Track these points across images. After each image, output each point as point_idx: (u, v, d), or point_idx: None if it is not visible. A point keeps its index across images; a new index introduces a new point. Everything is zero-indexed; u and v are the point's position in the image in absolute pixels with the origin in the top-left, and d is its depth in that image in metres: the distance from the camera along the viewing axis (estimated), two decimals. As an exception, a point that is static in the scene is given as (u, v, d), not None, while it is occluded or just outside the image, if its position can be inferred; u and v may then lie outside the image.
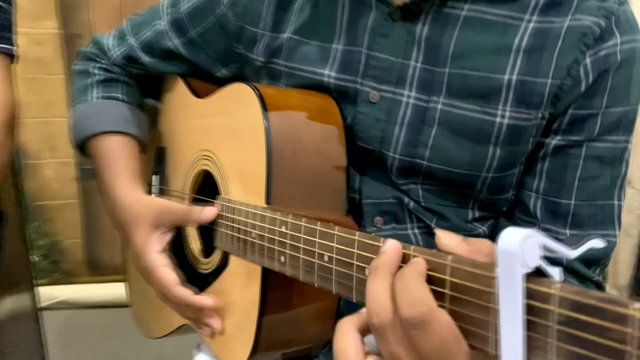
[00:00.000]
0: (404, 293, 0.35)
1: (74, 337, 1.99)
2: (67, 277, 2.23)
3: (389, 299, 0.36)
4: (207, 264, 0.69)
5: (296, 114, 0.61)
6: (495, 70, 0.58)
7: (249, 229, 0.58)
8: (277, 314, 0.59)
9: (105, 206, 0.74)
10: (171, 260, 0.66)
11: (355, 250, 0.42)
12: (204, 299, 0.63)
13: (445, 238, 0.37)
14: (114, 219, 0.72)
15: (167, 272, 0.64)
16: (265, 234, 0.55)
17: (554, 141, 0.60)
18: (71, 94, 0.81)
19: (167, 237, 0.67)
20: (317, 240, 0.47)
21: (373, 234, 0.42)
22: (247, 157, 0.61)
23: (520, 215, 0.64)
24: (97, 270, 2.28)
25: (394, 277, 0.37)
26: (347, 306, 0.65)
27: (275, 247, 0.53)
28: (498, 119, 0.58)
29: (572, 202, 0.60)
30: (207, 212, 0.64)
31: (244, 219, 0.59)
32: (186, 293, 0.63)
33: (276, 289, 0.58)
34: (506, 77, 0.58)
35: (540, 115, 0.58)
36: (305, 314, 0.62)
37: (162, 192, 0.83)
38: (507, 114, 0.58)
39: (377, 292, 0.37)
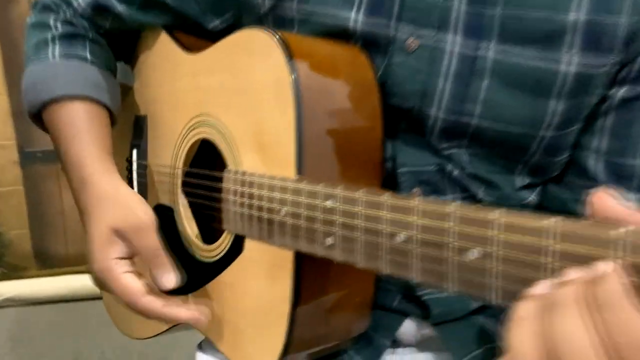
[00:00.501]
0: (618, 330, 0.24)
1: (28, 337, 1.82)
2: (14, 272, 2.03)
3: (592, 344, 0.25)
4: (212, 251, 0.58)
5: (325, 65, 0.50)
6: (558, 9, 0.49)
7: (275, 206, 0.47)
8: (312, 308, 0.49)
9: (69, 181, 0.60)
10: (161, 243, 0.54)
11: (452, 225, 0.33)
12: (180, 312, 0.52)
13: (608, 200, 0.28)
14: (78, 201, 0.59)
15: (130, 280, 0.52)
16: (302, 211, 0.44)
17: (620, 93, 0.52)
18: (25, 52, 0.66)
19: (129, 252, 0.54)
20: (385, 215, 0.37)
21: (477, 205, 0.32)
22: (266, 119, 0.50)
23: (575, 179, 0.57)
24: (46, 263, 2.09)
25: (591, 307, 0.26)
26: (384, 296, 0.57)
27: (318, 227, 0.43)
28: (563, 67, 0.50)
29: (639, 162, 0.53)
30: (167, 282, 0.52)
31: (268, 194, 0.48)
32: (156, 304, 0.52)
33: (311, 279, 0.48)
34: (571, 16, 0.49)
35: (611, 61, 0.50)
36: (342, 305, 0.52)
37: (145, 168, 0.70)
38: (575, 60, 0.49)
39: (575, 335, 0.25)
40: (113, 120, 0.65)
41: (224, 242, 0.56)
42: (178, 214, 0.64)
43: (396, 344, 0.60)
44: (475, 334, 0.58)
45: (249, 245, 0.53)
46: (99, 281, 0.54)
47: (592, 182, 0.55)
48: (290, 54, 0.47)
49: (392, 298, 0.58)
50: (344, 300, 0.52)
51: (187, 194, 0.63)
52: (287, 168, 0.47)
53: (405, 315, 0.59)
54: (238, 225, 0.53)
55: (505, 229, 0.30)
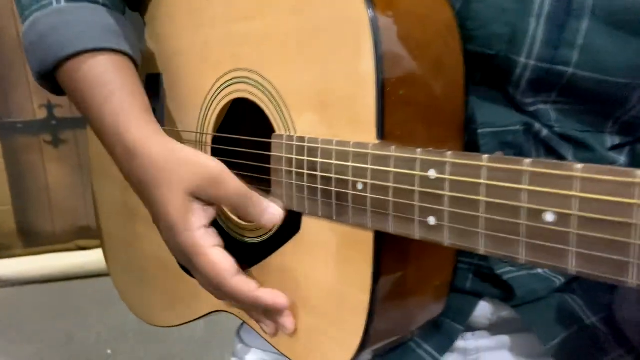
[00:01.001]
0: None
1: (16, 319, 1.72)
2: (-2, 251, 1.93)
3: None
4: (257, 230, 0.50)
5: (403, 5, 0.40)
6: None
7: (349, 178, 0.39)
8: (392, 296, 0.41)
9: (110, 153, 0.51)
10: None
11: (637, 201, 0.25)
12: (278, 298, 0.44)
13: None
14: (126, 171, 0.50)
15: (220, 257, 0.44)
16: (391, 184, 0.36)
17: None
18: (17, 3, 0.55)
19: (213, 212, 0.46)
20: (526, 188, 0.29)
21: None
22: (332, 72, 0.40)
23: None
24: (32, 241, 1.99)
25: None
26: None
27: (416, 203, 0.34)
28: None
29: None
30: (271, 216, 0.45)
31: (338, 164, 0.39)
32: (249, 286, 0.44)
33: (392, 262, 0.40)
34: None
35: None
36: (422, 290, 0.44)
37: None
38: None
39: None
40: (137, 69, 0.56)
41: (273, 221, 0.48)
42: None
43: (467, 328, 0.53)
44: (562, 315, 0.51)
45: (308, 223, 0.44)
46: (184, 258, 0.47)
47: None
48: (364, -12, 0.38)
49: (464, 278, 0.50)
50: (424, 283, 0.44)
51: (218, 164, 0.54)
52: (364, 130, 0.38)
53: (479, 296, 0.52)
54: (293, 200, 0.44)
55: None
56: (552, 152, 0.48)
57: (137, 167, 0.47)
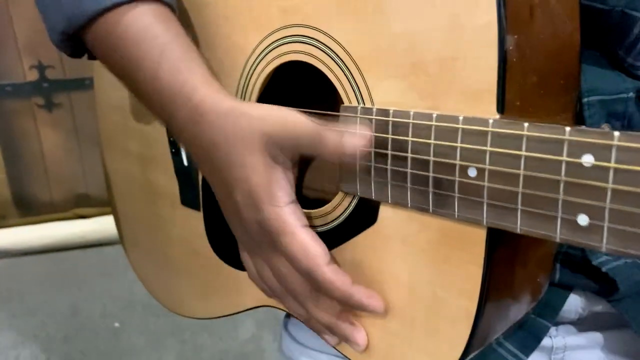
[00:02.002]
0: None
1: (17, 292, 1.66)
2: (-6, 221, 1.86)
3: None
4: (320, 218, 0.42)
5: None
6: None
7: (456, 162, 0.31)
8: (499, 300, 0.35)
9: (167, 119, 0.43)
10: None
11: None
12: (373, 298, 0.37)
13: None
14: (190, 138, 0.42)
15: (313, 239, 0.37)
16: (522, 172, 0.28)
17: None
18: None
19: (293, 177, 0.39)
20: None
21: None
22: (427, 25, 0.32)
23: None
24: (29, 210, 1.92)
25: None
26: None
27: (560, 197, 0.27)
28: None
29: None
30: (355, 139, 0.36)
31: (441, 144, 0.31)
32: (345, 278, 0.37)
33: (502, 264, 0.33)
34: None
35: None
36: (525, 289, 0.37)
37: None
38: None
39: None
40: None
41: (341, 207, 0.40)
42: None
43: (553, 323, 0.47)
44: None
45: (388, 214, 0.37)
46: (258, 234, 0.39)
47: None
48: None
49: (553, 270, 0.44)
50: (528, 282, 0.37)
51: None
52: (476, 102, 0.30)
53: (569, 289, 0.45)
54: (370, 187, 0.36)
55: None
56: None
57: (207, 128, 0.40)
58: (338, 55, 0.38)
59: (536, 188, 0.28)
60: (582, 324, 0.47)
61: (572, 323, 0.47)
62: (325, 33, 0.38)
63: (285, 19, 0.41)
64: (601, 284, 0.43)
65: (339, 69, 0.38)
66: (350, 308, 0.39)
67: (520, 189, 0.28)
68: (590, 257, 0.42)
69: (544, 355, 0.48)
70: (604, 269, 0.42)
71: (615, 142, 0.25)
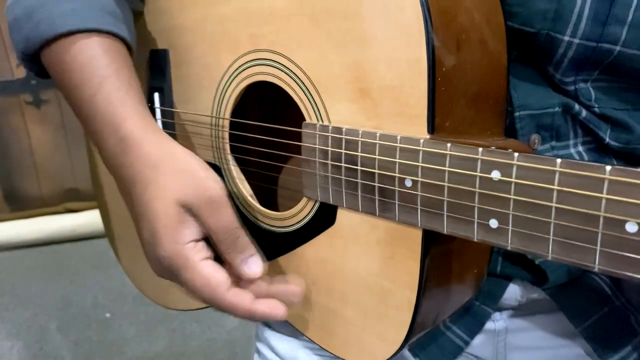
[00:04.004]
0: None
1: (9, 285, 1.71)
2: (-17, 217, 1.89)
3: None
4: (286, 220, 0.48)
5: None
6: None
7: (396, 175, 0.37)
8: (437, 290, 0.40)
9: (98, 146, 0.46)
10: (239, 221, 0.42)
11: None
12: (276, 309, 0.41)
13: None
14: (117, 167, 0.45)
15: (212, 270, 0.41)
16: (447, 184, 0.34)
17: None
18: None
19: (204, 231, 0.42)
20: (604, 197, 0.27)
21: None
22: (372, 55, 0.37)
23: None
24: (18, 205, 1.95)
25: None
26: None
27: (476, 205, 0.33)
28: None
29: None
30: (252, 269, 0.42)
31: (383, 159, 0.37)
32: (244, 300, 0.41)
33: (438, 258, 0.39)
34: None
35: None
36: (461, 280, 0.43)
37: (172, 117, 0.57)
38: None
39: None
40: (131, 53, 0.51)
41: (305, 210, 0.46)
42: (228, 174, 0.52)
43: (495, 309, 0.53)
44: (593, 295, 0.51)
45: (344, 216, 0.42)
46: (166, 270, 0.43)
47: None
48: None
49: (494, 262, 0.49)
50: (464, 274, 0.43)
51: (236, 150, 0.51)
52: (412, 123, 0.36)
53: (508, 279, 0.51)
54: (328, 193, 0.42)
55: None
56: (589, 133, 0.47)
57: (130, 162, 0.43)
58: (299, 78, 0.43)
59: (457, 197, 0.33)
60: (522, 310, 0.53)
61: (512, 309, 0.53)
62: (288, 58, 0.44)
63: (254, 43, 0.46)
64: (535, 275, 0.49)
65: (301, 90, 0.43)
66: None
67: (445, 198, 0.34)
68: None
69: (489, 337, 0.54)
70: (536, 262, 0.48)
71: (515, 162, 0.30)
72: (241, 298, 0.41)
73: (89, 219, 1.93)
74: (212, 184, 0.41)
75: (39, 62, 0.49)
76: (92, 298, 1.64)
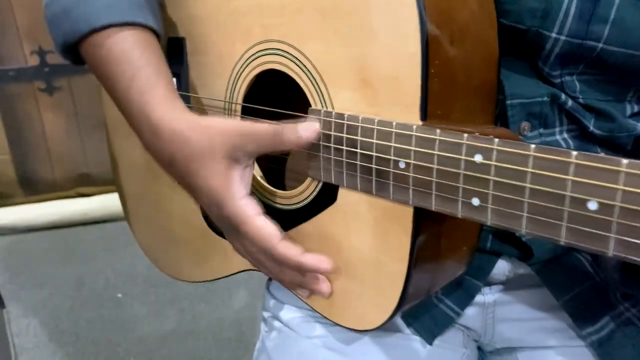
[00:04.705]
0: None
1: (26, 265, 1.77)
2: (0, 200, 1.94)
3: None
4: (292, 198, 0.52)
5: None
6: None
7: (391, 157, 0.41)
8: (427, 263, 0.44)
9: (137, 133, 0.51)
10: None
11: None
12: (323, 262, 0.45)
13: None
14: (154, 152, 0.50)
15: (266, 225, 0.46)
16: (434, 166, 0.38)
17: None
18: None
19: (251, 173, 0.47)
20: (570, 178, 0.31)
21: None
22: (373, 48, 0.41)
23: None
24: (33, 189, 2.01)
25: None
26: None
27: (460, 185, 0.37)
28: None
29: None
30: (306, 131, 0.45)
31: (380, 143, 0.41)
32: (296, 250, 0.45)
33: (428, 234, 0.43)
34: None
35: None
36: (451, 255, 0.47)
37: (188, 101, 0.61)
38: None
39: None
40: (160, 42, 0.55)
41: (309, 190, 0.50)
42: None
43: (485, 283, 0.57)
44: (575, 271, 0.55)
45: (345, 195, 0.46)
46: (229, 227, 0.48)
47: None
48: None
49: (485, 239, 0.54)
50: (453, 250, 0.47)
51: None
52: (406, 111, 0.40)
53: (497, 255, 0.55)
54: (330, 174, 0.46)
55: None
56: (575, 122, 0.50)
57: (166, 145, 0.47)
58: (307, 68, 0.47)
59: (444, 178, 0.37)
60: (510, 284, 0.57)
61: (501, 283, 0.58)
62: (296, 49, 0.47)
63: (266, 34, 0.50)
64: (522, 251, 0.53)
65: (308, 78, 0.47)
66: (307, 271, 0.48)
67: (434, 179, 0.38)
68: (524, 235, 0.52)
69: (479, 310, 0.58)
70: (523, 239, 0.52)
71: (495, 147, 0.34)
72: (292, 249, 0.45)
73: (101, 203, 1.98)
74: (234, 125, 0.46)
75: (76, 53, 0.53)
76: (104, 279, 1.69)
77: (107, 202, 1.96)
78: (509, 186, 0.34)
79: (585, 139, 0.51)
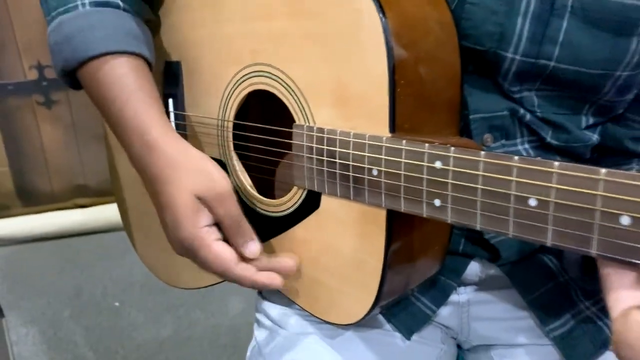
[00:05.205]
0: None
1: (24, 276, 1.80)
2: (-1, 211, 1.98)
3: None
4: (280, 205, 0.57)
5: (409, 9, 0.46)
6: None
7: (365, 166, 0.46)
8: (401, 261, 0.50)
9: (125, 146, 0.56)
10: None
11: (601, 193, 0.33)
12: (274, 279, 0.52)
13: None
14: (143, 167, 0.55)
15: (222, 249, 0.51)
16: (402, 172, 0.43)
17: None
18: (43, 3, 0.58)
19: (214, 218, 0.52)
20: (514, 179, 0.37)
21: (630, 172, 0.32)
22: (348, 70, 0.47)
23: (634, 116, 0.57)
24: (31, 201, 2.04)
25: None
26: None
27: (424, 188, 0.42)
28: None
29: None
30: (250, 250, 0.52)
31: (355, 153, 0.46)
32: (249, 272, 0.51)
33: (401, 234, 0.48)
34: None
35: None
36: (423, 254, 0.53)
37: (183, 119, 0.66)
38: None
39: None
40: (151, 69, 0.60)
41: (295, 197, 0.55)
42: (232, 168, 0.61)
43: (460, 284, 0.62)
44: (541, 272, 0.60)
45: (327, 201, 0.52)
46: (185, 249, 0.53)
47: None
48: (378, 1, 0.43)
49: (457, 241, 0.59)
50: (425, 249, 0.52)
51: (238, 147, 0.61)
52: (377, 124, 0.45)
53: (470, 257, 0.60)
54: (314, 182, 0.51)
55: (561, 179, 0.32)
56: (534, 134, 0.56)
57: (153, 163, 0.52)
58: (291, 88, 0.52)
59: (410, 182, 0.43)
60: (482, 285, 0.63)
61: (475, 284, 0.63)
62: (281, 71, 0.53)
63: (254, 58, 0.56)
64: (491, 253, 0.59)
65: (292, 97, 0.52)
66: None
67: (402, 183, 0.43)
68: (484, 234, 0.57)
69: (454, 309, 0.64)
70: (491, 242, 0.58)
71: (452, 154, 0.40)
72: (246, 271, 0.51)
73: (97, 214, 2.02)
74: (221, 180, 0.51)
75: (74, 77, 0.58)
76: (102, 288, 1.73)
77: (104, 213, 1.99)
78: (464, 188, 0.40)
79: (544, 149, 0.57)
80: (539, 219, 0.36)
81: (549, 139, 0.55)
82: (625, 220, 0.32)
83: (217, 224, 0.52)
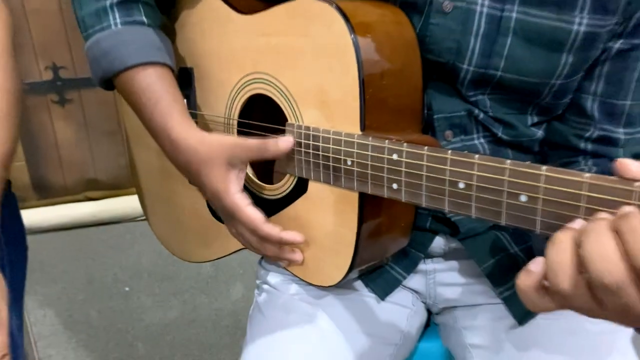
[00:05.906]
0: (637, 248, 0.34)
1: (38, 264, 1.92)
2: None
3: (618, 256, 0.35)
4: (276, 190, 0.69)
5: (378, 31, 0.58)
6: None
7: (342, 157, 0.58)
8: (371, 234, 0.61)
9: (160, 145, 0.69)
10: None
11: (507, 178, 0.44)
12: (295, 236, 0.64)
13: (630, 164, 0.38)
14: (174, 160, 0.69)
15: (253, 211, 0.64)
16: (369, 162, 0.55)
17: (617, 45, 0.61)
18: (80, 19, 0.70)
19: (244, 174, 0.65)
20: (448, 168, 0.48)
21: (528, 162, 0.43)
22: (328, 80, 0.59)
23: (573, 117, 0.67)
24: (45, 193, 2.15)
25: (619, 232, 0.35)
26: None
27: (385, 175, 0.54)
28: (575, 27, 0.59)
29: (628, 102, 0.64)
30: (284, 143, 0.62)
31: (334, 147, 0.58)
32: (275, 230, 0.64)
33: (371, 212, 0.60)
34: None
35: (615, 20, 0.59)
36: (391, 230, 0.64)
37: (195, 117, 0.78)
38: (585, 21, 0.59)
39: (607, 250, 0.35)
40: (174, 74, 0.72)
41: (287, 183, 0.67)
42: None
43: (427, 255, 0.74)
44: (494, 245, 0.71)
45: (313, 186, 0.64)
46: (227, 214, 0.66)
47: (588, 119, 0.67)
48: (351, 25, 0.55)
49: (425, 220, 0.70)
50: (393, 225, 0.64)
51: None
52: (351, 124, 0.57)
53: (435, 233, 0.72)
54: (302, 171, 0.63)
55: (549, 180, 0.42)
56: (487, 130, 0.67)
57: (182, 155, 0.66)
58: (284, 92, 0.64)
59: (375, 170, 0.55)
60: (446, 256, 0.74)
61: (440, 256, 0.75)
62: (276, 78, 0.65)
63: (255, 66, 0.67)
64: (452, 229, 0.70)
65: (285, 100, 0.64)
66: (285, 244, 0.66)
67: (369, 171, 0.55)
68: (446, 213, 0.69)
69: (422, 276, 0.75)
70: (452, 219, 0.69)
71: (404, 149, 0.52)
72: (273, 229, 0.64)
73: (107, 206, 2.14)
74: (231, 139, 0.64)
75: (110, 83, 0.71)
76: (113, 275, 1.85)
77: (114, 205, 2.11)
78: (414, 175, 0.51)
79: (497, 143, 0.68)
80: (466, 199, 0.48)
81: (500, 135, 0.67)
82: (523, 198, 0.44)
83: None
